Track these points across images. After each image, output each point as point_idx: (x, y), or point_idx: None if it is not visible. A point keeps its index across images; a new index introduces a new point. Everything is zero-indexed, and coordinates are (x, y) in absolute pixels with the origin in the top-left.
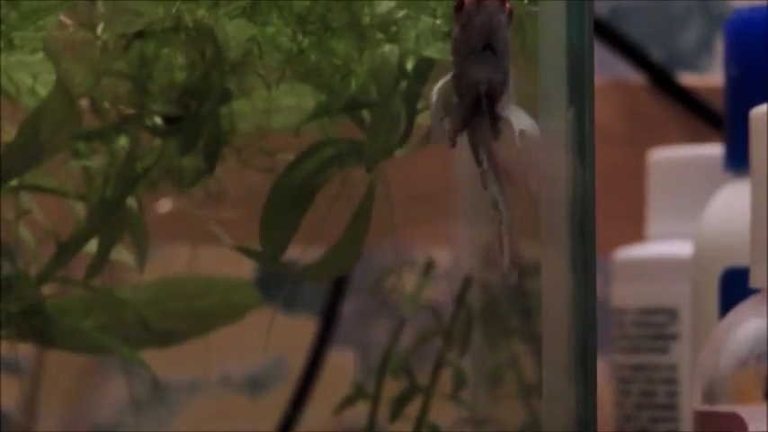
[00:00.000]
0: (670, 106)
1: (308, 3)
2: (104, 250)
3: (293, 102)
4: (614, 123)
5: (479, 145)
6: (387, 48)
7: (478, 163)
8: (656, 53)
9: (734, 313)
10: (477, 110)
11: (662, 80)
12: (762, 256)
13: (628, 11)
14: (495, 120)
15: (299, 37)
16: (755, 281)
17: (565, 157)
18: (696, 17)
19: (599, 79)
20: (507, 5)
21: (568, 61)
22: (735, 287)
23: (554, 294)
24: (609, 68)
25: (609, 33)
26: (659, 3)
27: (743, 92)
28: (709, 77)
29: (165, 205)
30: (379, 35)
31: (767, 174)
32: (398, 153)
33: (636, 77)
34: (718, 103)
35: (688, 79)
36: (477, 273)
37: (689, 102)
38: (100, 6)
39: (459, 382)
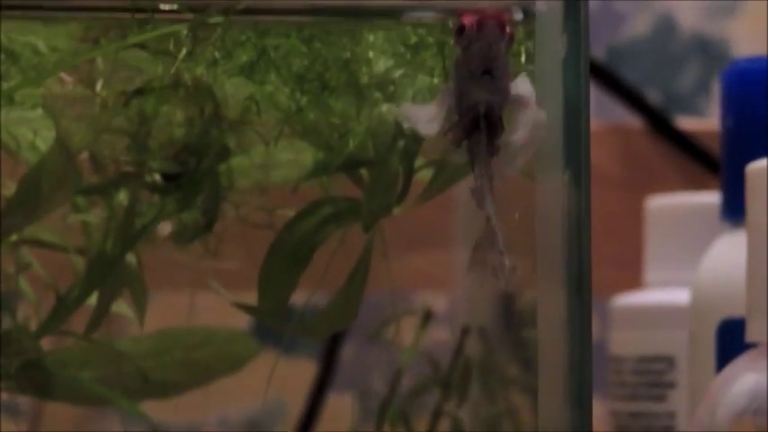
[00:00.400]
0: (668, 150)
1: (306, 62)
2: (104, 306)
3: (291, 157)
4: (612, 167)
5: (476, 163)
6: (384, 107)
7: (475, 180)
8: (654, 96)
9: (731, 367)
10: (476, 128)
11: (659, 124)
12: (758, 310)
13: (625, 53)
14: (493, 139)
15: (298, 95)
16: (752, 335)
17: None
18: (694, 59)
19: (596, 123)
20: (507, 30)
21: (565, 111)
22: (732, 338)
23: (549, 334)
24: (606, 112)
25: (606, 77)
26: (656, 45)
27: (740, 143)
28: (707, 121)
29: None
30: (377, 94)
31: (763, 229)
32: (396, 211)
33: (633, 121)
34: (716, 147)
35: (686, 123)
36: (475, 319)
37: (687, 146)
38: (99, 63)
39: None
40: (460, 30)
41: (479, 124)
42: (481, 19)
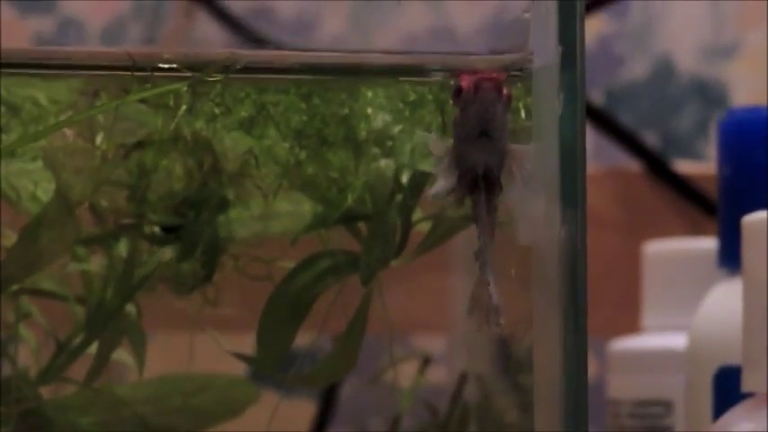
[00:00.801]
0: (665, 193)
1: (304, 117)
2: (104, 354)
3: (290, 208)
4: (610, 211)
5: (478, 224)
6: (382, 162)
7: (478, 240)
8: (652, 139)
9: (727, 417)
10: (476, 188)
11: (657, 167)
12: (754, 361)
13: (623, 96)
14: (492, 198)
15: (296, 150)
16: (748, 385)
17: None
18: (692, 102)
19: (594, 167)
20: (504, 92)
21: (561, 165)
22: (729, 385)
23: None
24: (604, 155)
25: (604, 120)
26: (655, 88)
27: (737, 192)
28: (705, 164)
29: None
30: (375, 149)
31: (759, 281)
32: (394, 263)
33: (631, 164)
34: (714, 191)
35: (684, 166)
36: (473, 364)
37: (684, 189)
38: (99, 116)
39: None
40: (458, 92)
41: (479, 184)
42: (478, 81)
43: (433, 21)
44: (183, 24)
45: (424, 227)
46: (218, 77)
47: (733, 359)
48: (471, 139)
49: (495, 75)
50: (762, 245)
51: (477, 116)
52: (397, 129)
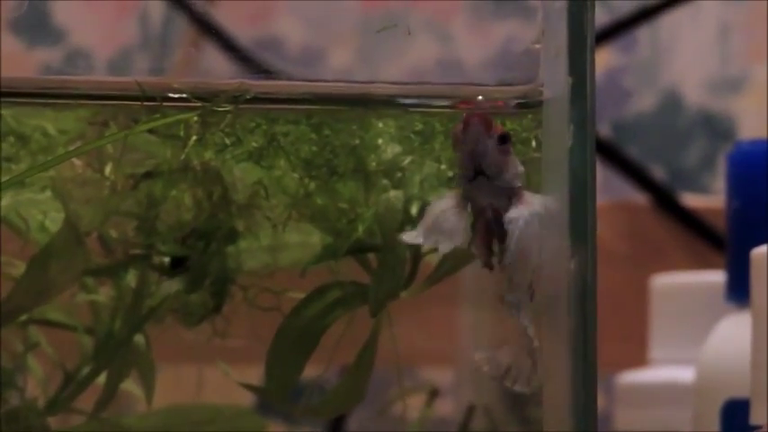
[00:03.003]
0: (673, 227)
1: (314, 148)
2: (113, 385)
3: (299, 239)
4: (617, 244)
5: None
6: (392, 193)
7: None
8: (659, 173)
9: None
10: (491, 234)
11: (664, 201)
12: (762, 393)
13: (630, 129)
14: (503, 239)
15: (306, 180)
16: (756, 418)
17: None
18: (699, 136)
19: (601, 200)
20: (497, 129)
21: (571, 197)
22: (736, 418)
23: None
24: (611, 189)
25: (611, 153)
26: (662, 121)
27: (745, 225)
28: (713, 198)
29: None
30: (385, 180)
31: (767, 314)
32: (403, 295)
33: (638, 198)
34: (722, 224)
35: (690, 200)
36: (480, 397)
37: (692, 222)
38: (108, 146)
39: None
40: (454, 136)
41: (492, 229)
42: (466, 119)
43: (440, 53)
44: (191, 54)
45: (434, 258)
46: (228, 108)
47: (741, 392)
48: (470, 181)
49: (482, 112)
50: None
51: (469, 155)
52: (407, 160)
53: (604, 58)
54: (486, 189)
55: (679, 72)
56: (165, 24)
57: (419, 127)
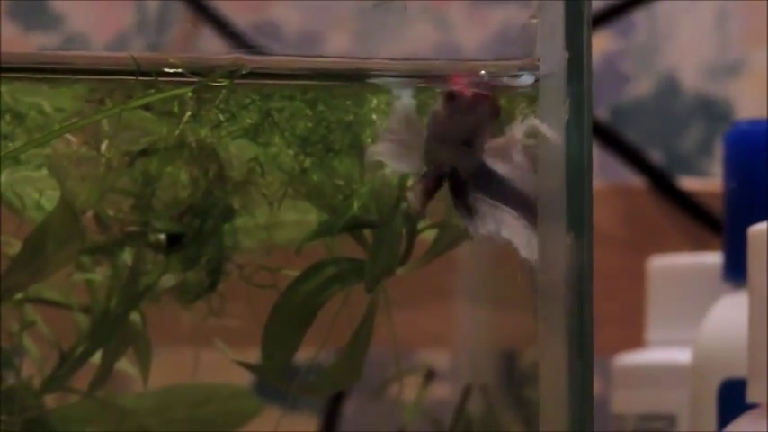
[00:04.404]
0: (670, 210)
1: (310, 124)
2: (108, 364)
3: (296, 218)
4: (614, 227)
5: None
6: (388, 169)
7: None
8: (657, 156)
9: (731, 427)
10: (440, 185)
11: (662, 184)
12: (759, 371)
13: (628, 114)
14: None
15: (302, 157)
16: (753, 396)
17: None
18: (697, 120)
19: (599, 183)
20: (493, 104)
21: (568, 173)
22: (733, 398)
23: (551, 393)
24: (609, 172)
25: (609, 137)
26: (660, 106)
27: (742, 205)
28: (710, 181)
29: (168, 281)
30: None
31: (764, 292)
32: (400, 271)
33: (636, 181)
34: (719, 208)
35: (688, 183)
36: (477, 377)
37: (689, 206)
38: (104, 124)
39: None
40: (451, 96)
41: (442, 184)
42: (478, 95)
43: (438, 37)
44: (188, 31)
45: (430, 235)
46: (224, 82)
47: (738, 372)
48: (450, 143)
49: (489, 92)
50: (767, 254)
51: (466, 125)
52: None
53: (602, 43)
54: (461, 156)
55: (677, 56)
56: (161, 9)
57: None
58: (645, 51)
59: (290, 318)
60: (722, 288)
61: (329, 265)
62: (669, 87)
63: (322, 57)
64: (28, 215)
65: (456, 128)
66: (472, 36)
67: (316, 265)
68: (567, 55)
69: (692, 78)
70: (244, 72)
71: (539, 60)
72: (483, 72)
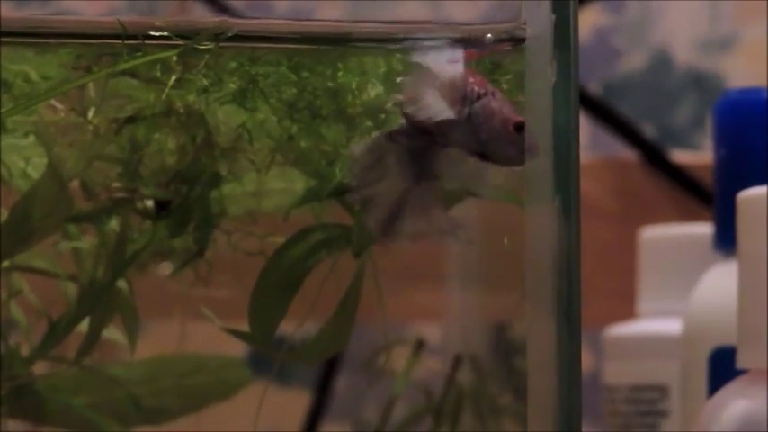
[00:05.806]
0: (662, 184)
1: (296, 91)
2: (95, 331)
3: (283, 185)
4: (606, 200)
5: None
6: (375, 134)
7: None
8: (649, 130)
9: (721, 394)
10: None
11: (654, 158)
12: (748, 337)
13: (620, 88)
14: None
15: (288, 123)
16: (742, 362)
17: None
18: (689, 94)
19: (591, 156)
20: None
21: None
22: (724, 366)
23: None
24: (602, 146)
25: (601, 111)
26: (652, 80)
27: (732, 173)
28: (702, 155)
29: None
30: (368, 122)
31: (754, 256)
32: None
33: (628, 155)
34: (710, 181)
35: (680, 157)
36: (467, 348)
37: (681, 179)
38: (91, 91)
39: None
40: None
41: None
42: (519, 122)
43: (428, 14)
44: (179, 7)
45: None
46: (210, 45)
47: (728, 340)
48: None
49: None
50: (756, 220)
51: (490, 143)
52: (389, 103)
53: (593, 18)
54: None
55: (669, 31)
56: None
57: (402, 68)
58: (637, 26)
59: (277, 284)
60: (712, 258)
61: (316, 231)
62: (661, 62)
63: (309, 20)
64: (14, 184)
65: (478, 140)
66: (463, 13)
67: (303, 230)
68: (553, 18)
69: (684, 53)
70: (230, 35)
71: (525, 23)
72: (489, 36)
